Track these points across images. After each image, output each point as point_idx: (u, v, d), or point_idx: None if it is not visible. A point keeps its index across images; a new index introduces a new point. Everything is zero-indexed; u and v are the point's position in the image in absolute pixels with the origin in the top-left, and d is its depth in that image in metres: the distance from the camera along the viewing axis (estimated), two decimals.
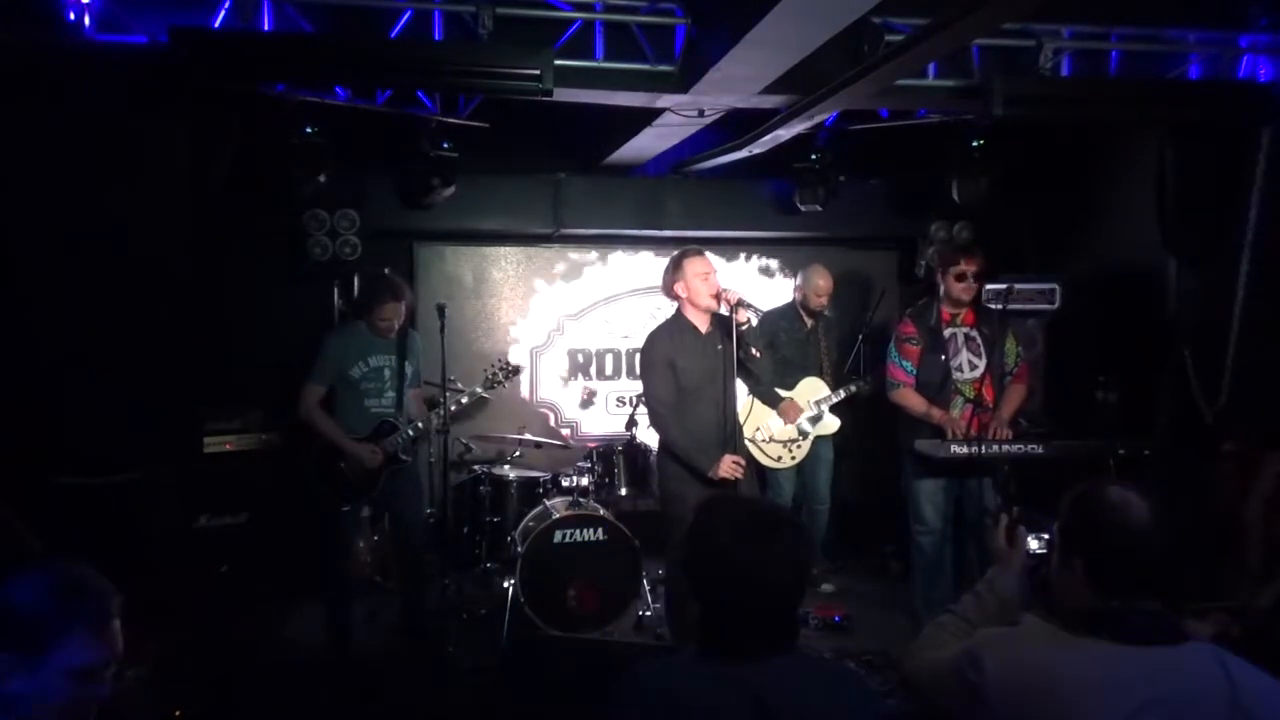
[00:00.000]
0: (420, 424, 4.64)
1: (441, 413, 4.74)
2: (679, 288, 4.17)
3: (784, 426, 5.31)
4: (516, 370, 5.11)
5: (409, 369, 4.63)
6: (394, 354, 4.58)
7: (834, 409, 5.45)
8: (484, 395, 5.17)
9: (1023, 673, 1.69)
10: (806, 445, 5.42)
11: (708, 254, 4.27)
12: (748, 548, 1.68)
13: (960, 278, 4.70)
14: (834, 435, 5.54)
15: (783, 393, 5.22)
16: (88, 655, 1.67)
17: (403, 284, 4.72)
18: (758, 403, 5.12)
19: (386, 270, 5.21)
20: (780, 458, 5.38)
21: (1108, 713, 1.63)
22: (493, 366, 5.09)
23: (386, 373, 4.56)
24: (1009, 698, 1.68)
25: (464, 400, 5.05)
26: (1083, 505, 1.83)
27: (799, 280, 5.61)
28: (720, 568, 1.70)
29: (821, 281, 5.47)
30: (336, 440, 4.42)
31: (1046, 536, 2.13)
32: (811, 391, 5.44)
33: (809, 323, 5.56)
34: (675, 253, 4.27)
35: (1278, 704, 1.64)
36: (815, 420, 5.41)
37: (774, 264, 6.67)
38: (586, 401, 6.24)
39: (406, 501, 4.67)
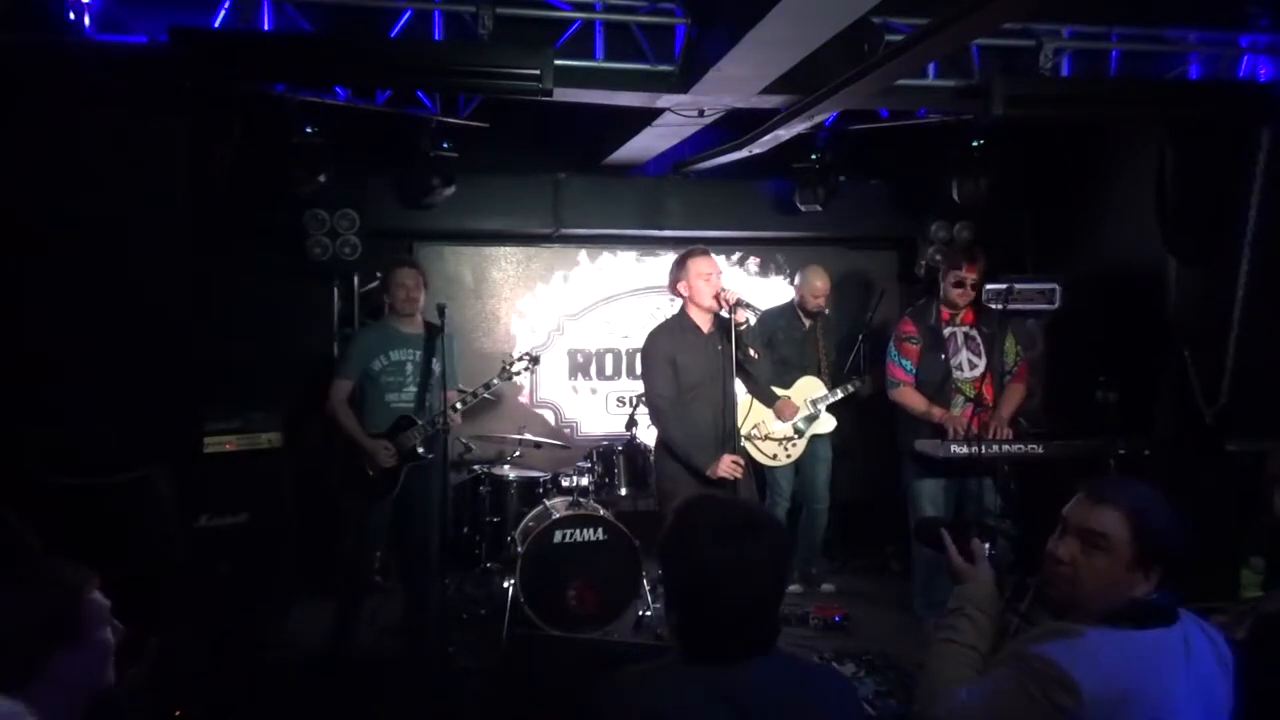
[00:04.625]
0: (443, 418, 4.46)
1: (443, 410, 4.72)
2: (682, 286, 4.19)
3: (780, 425, 5.30)
4: (535, 360, 5.05)
5: (436, 368, 4.54)
6: (419, 349, 4.53)
7: (831, 408, 5.46)
8: (507, 382, 5.02)
9: (1113, 681, 1.68)
10: (802, 444, 5.42)
11: (713, 255, 4.28)
12: (724, 550, 1.61)
13: (959, 284, 4.72)
14: (832, 434, 5.54)
15: (780, 391, 5.23)
16: (76, 673, 1.77)
17: (417, 261, 4.76)
18: (755, 401, 5.13)
19: None
20: (776, 455, 5.38)
21: (1183, 690, 1.71)
22: (509, 357, 5.02)
23: (409, 367, 4.51)
24: (1105, 710, 1.66)
25: (485, 393, 4.83)
26: (1159, 509, 1.81)
27: (797, 281, 5.62)
28: (696, 571, 1.64)
29: (819, 282, 5.47)
30: (355, 437, 4.39)
31: (989, 544, 2.11)
32: (809, 390, 5.44)
33: (807, 323, 5.56)
34: (682, 251, 4.28)
35: (1225, 645, 1.84)
36: (812, 419, 5.42)
37: (773, 264, 6.67)
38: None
39: (424, 501, 4.54)
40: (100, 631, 1.81)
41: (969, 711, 1.81)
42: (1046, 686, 1.68)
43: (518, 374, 4.97)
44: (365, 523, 4.54)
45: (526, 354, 5.08)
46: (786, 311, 5.61)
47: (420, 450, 4.47)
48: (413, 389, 4.52)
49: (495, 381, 4.87)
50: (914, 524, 4.32)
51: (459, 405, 4.60)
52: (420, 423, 4.46)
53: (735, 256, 6.60)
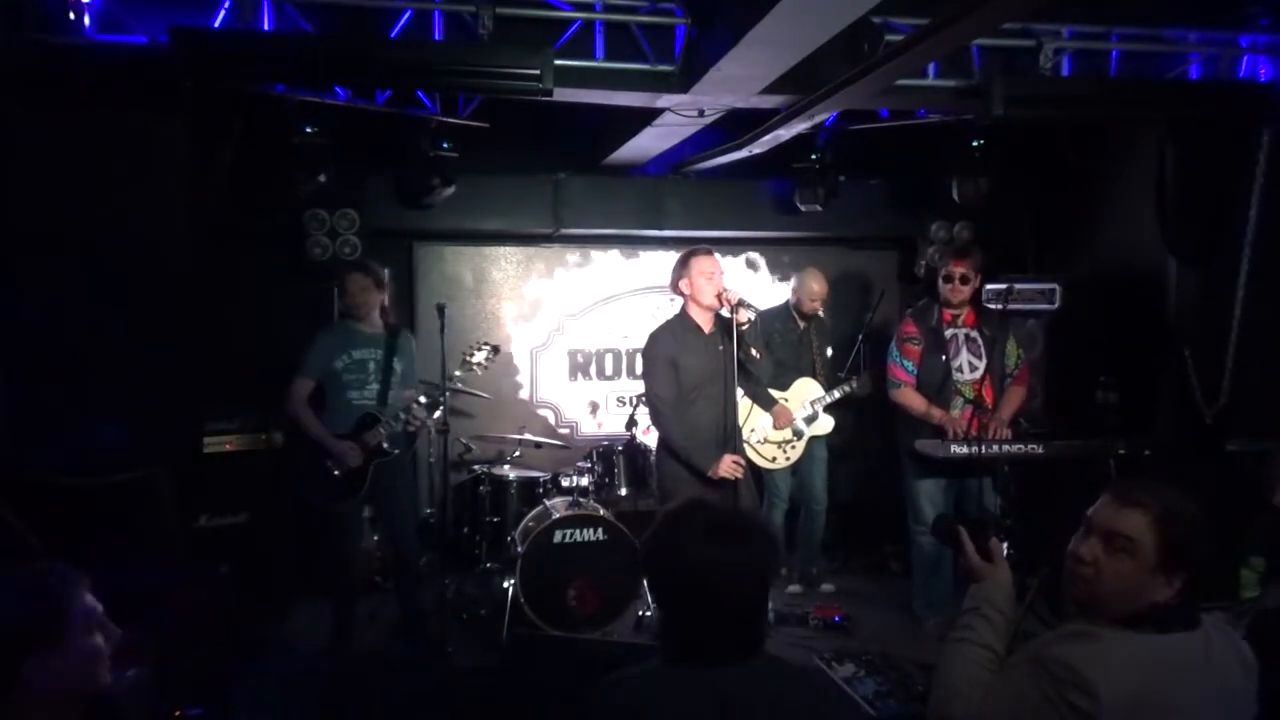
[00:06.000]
0: (405, 414, 4.49)
1: (440, 415, 4.72)
2: (684, 285, 4.19)
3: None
4: (495, 350, 4.93)
5: (398, 366, 4.61)
6: (380, 348, 4.59)
7: (829, 409, 5.45)
8: (470, 373, 4.92)
9: (1132, 686, 1.67)
10: (801, 446, 5.41)
11: (716, 255, 4.28)
12: (709, 554, 1.63)
13: (948, 279, 4.73)
14: (829, 435, 5.53)
15: (776, 394, 5.23)
16: (59, 678, 1.71)
17: (375, 266, 4.74)
18: (753, 405, 5.13)
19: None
20: (775, 459, 5.37)
21: (1203, 696, 1.70)
22: (470, 347, 4.93)
23: (371, 365, 4.57)
24: (1123, 715, 1.65)
25: (454, 385, 4.85)
26: (1187, 516, 1.79)
27: (793, 283, 5.61)
28: (683, 573, 1.65)
29: (815, 285, 5.46)
30: (319, 438, 4.43)
31: (1007, 544, 2.10)
32: (805, 392, 5.44)
33: (801, 325, 5.55)
34: (685, 250, 4.28)
35: (1249, 650, 1.81)
36: (810, 421, 5.41)
37: (772, 264, 6.67)
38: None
39: (394, 498, 4.62)
40: (87, 635, 1.75)
41: (985, 713, 1.79)
42: (1065, 690, 1.66)
43: (479, 364, 4.86)
44: (341, 523, 4.57)
45: (486, 343, 4.96)
46: (782, 313, 5.60)
47: (386, 446, 4.50)
48: (375, 386, 4.57)
49: (457, 374, 4.82)
50: (932, 521, 4.32)
51: (422, 400, 4.60)
52: (384, 419, 4.49)
53: (740, 257, 6.60)
